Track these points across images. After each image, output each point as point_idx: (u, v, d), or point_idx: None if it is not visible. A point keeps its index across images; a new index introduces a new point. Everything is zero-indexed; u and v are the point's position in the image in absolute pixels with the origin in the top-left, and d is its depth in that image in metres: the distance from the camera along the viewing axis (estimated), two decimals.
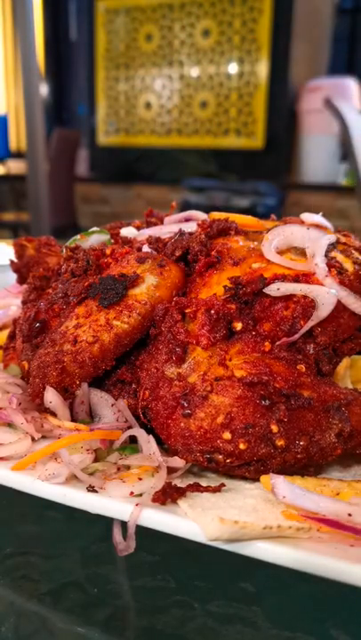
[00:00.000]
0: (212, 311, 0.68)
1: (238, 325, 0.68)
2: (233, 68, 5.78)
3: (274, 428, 0.60)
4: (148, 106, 6.33)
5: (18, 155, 6.94)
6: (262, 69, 5.64)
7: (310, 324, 0.66)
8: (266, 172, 5.72)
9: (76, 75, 7.24)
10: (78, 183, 6.46)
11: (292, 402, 0.61)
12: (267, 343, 0.66)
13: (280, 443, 0.60)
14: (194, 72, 5.99)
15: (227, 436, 0.60)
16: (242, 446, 0.60)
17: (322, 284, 0.68)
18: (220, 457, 0.61)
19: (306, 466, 0.62)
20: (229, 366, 0.64)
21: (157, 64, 6.14)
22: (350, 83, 5.47)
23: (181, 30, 5.92)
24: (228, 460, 0.61)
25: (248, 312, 0.69)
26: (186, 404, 0.63)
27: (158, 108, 6.27)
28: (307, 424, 0.61)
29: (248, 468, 0.62)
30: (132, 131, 6.47)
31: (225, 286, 0.71)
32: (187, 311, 0.70)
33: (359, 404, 0.63)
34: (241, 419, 0.60)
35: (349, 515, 0.52)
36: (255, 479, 0.62)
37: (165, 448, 0.69)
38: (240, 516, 0.53)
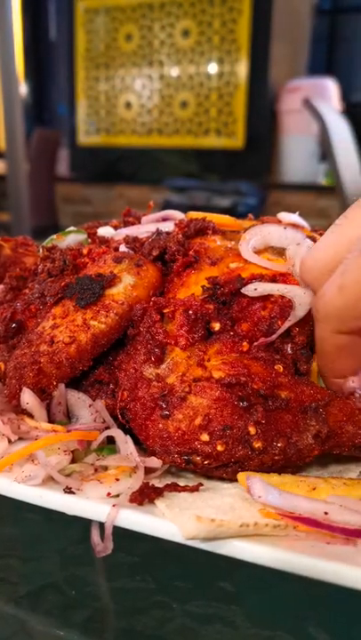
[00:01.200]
0: (191, 311, 0.67)
1: (216, 326, 0.68)
2: (213, 68, 5.79)
3: (252, 429, 0.60)
4: (128, 106, 6.32)
5: None
6: (242, 69, 5.65)
7: (288, 324, 0.66)
8: (246, 171, 5.74)
9: (56, 75, 7.20)
10: (59, 183, 6.43)
11: (269, 403, 0.61)
12: (245, 343, 0.66)
13: (258, 445, 0.60)
14: (174, 72, 5.99)
15: (205, 437, 0.60)
16: (220, 448, 0.60)
17: (299, 284, 0.68)
18: (198, 458, 0.61)
19: (283, 467, 0.63)
20: (208, 367, 0.64)
21: (137, 64, 6.13)
22: (329, 83, 5.51)
23: (161, 30, 5.92)
24: (205, 462, 0.61)
25: (226, 312, 0.69)
26: (164, 405, 0.63)
27: (139, 107, 6.27)
28: (284, 425, 0.61)
29: (226, 470, 0.62)
30: (112, 131, 6.46)
31: (203, 286, 0.70)
32: (165, 311, 0.69)
33: (337, 406, 0.63)
34: (219, 420, 0.60)
35: (326, 513, 0.52)
36: (233, 479, 0.62)
37: (144, 448, 0.69)
38: (217, 515, 0.53)
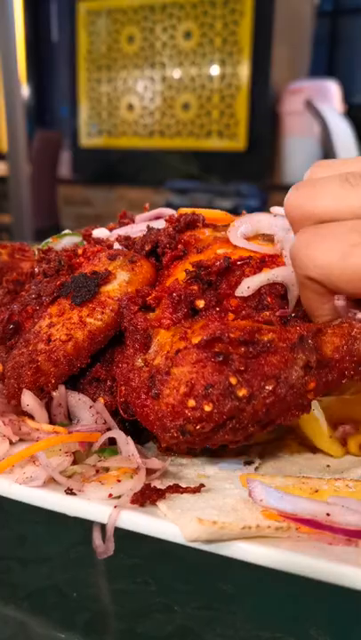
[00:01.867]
0: (175, 294, 0.68)
1: (201, 303, 0.67)
2: (215, 70, 5.79)
3: (232, 380, 0.58)
4: (130, 107, 6.32)
5: None
6: (244, 71, 5.65)
7: (293, 302, 0.66)
8: (248, 173, 5.74)
9: (58, 76, 7.21)
10: (61, 185, 6.43)
11: (250, 349, 0.59)
12: (230, 314, 0.65)
13: (242, 393, 0.58)
14: (176, 74, 5.99)
15: (191, 403, 0.59)
16: (207, 408, 0.58)
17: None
18: (191, 426, 0.60)
19: (289, 410, 0.60)
20: (189, 337, 0.63)
21: (139, 66, 6.14)
22: (331, 85, 5.51)
23: (163, 32, 5.92)
24: (198, 427, 0.59)
25: (212, 292, 0.69)
26: (152, 385, 0.62)
27: (141, 109, 6.27)
28: (272, 367, 0.59)
29: (224, 430, 0.60)
30: (114, 132, 6.46)
31: (186, 270, 0.70)
32: (148, 299, 0.70)
33: (332, 331, 0.60)
34: (201, 382, 0.59)
35: (328, 514, 0.52)
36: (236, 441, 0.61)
37: (148, 447, 0.69)
38: (219, 517, 0.52)
